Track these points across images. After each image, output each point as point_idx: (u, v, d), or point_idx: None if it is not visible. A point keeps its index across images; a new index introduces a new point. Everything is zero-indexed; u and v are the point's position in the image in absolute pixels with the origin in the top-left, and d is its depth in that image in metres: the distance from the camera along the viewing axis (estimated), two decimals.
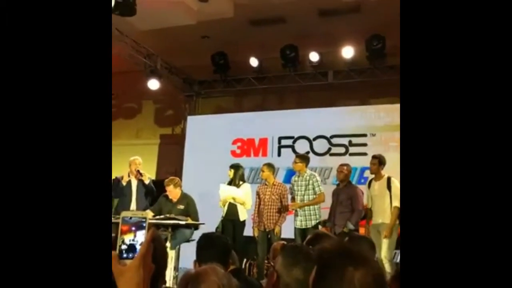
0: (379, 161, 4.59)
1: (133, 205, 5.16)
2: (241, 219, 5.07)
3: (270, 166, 5.07)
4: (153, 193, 5.31)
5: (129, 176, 5.24)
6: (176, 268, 4.73)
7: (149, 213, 4.71)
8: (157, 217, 4.58)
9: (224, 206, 5.09)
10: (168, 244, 4.35)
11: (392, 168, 4.63)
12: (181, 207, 4.78)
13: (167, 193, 4.86)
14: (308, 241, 1.89)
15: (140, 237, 0.90)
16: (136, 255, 0.88)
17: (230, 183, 5.17)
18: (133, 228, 0.91)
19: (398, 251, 4.94)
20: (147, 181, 5.26)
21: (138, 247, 0.89)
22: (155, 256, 0.92)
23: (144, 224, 0.91)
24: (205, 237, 2.18)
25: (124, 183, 5.17)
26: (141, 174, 5.21)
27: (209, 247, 2.00)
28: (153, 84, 6.89)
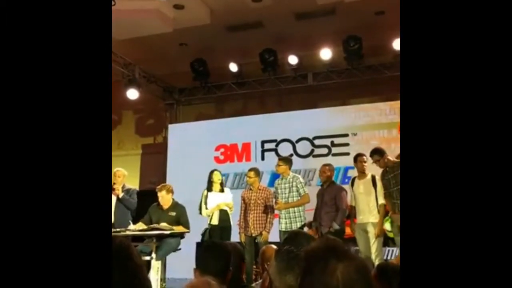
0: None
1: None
2: (232, 224, 5.07)
3: (256, 171, 5.06)
4: (132, 206, 4.91)
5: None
6: (163, 279, 4.65)
7: (141, 225, 4.61)
8: (140, 228, 4.50)
9: (211, 213, 5.03)
10: (153, 255, 4.27)
11: (374, 166, 4.67)
12: (173, 214, 4.69)
13: (159, 199, 4.76)
14: (286, 241, 1.81)
15: None
16: None
17: (210, 189, 5.12)
18: None
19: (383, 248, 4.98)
20: (120, 195, 4.87)
21: None
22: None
23: None
24: (208, 244, 2.17)
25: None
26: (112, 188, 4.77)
27: (212, 254, 1.94)
28: (132, 93, 6.80)
